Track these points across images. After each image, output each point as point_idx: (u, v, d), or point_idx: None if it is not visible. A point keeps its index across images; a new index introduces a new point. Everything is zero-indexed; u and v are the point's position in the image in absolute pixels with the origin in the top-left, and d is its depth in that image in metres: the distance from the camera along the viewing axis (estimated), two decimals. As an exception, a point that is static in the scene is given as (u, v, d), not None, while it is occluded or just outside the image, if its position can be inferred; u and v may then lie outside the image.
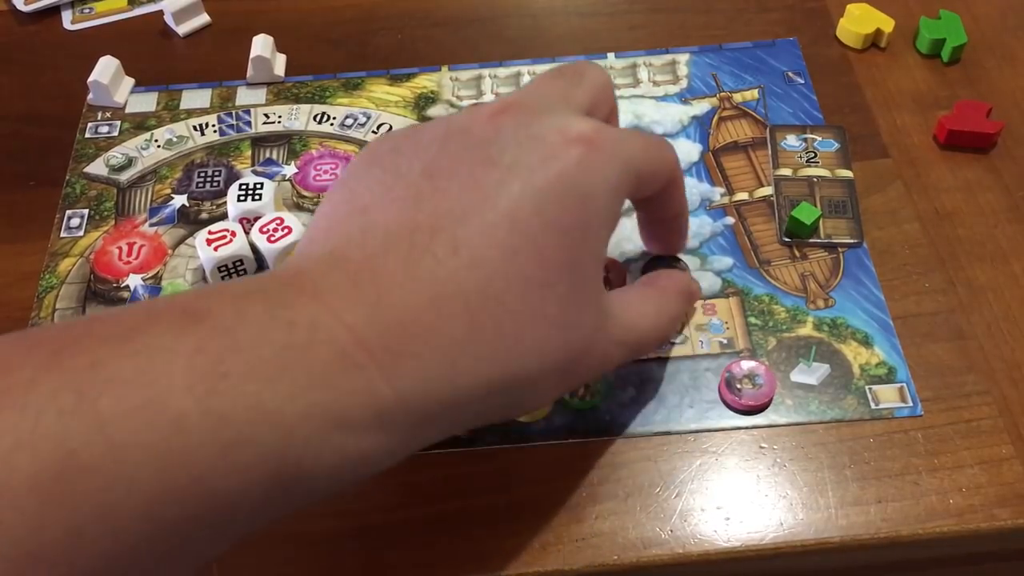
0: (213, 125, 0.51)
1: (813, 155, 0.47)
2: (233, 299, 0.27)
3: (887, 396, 0.39)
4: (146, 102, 0.53)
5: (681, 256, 0.44)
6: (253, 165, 0.49)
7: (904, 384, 0.39)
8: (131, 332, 0.25)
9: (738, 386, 0.39)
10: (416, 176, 0.30)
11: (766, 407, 0.39)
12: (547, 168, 0.30)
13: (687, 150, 0.48)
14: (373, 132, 0.50)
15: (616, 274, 0.43)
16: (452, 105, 0.51)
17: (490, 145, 0.31)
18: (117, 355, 0.24)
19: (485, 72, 0.53)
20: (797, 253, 0.44)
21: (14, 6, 0.57)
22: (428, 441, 0.30)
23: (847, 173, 0.46)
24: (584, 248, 0.31)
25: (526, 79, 0.52)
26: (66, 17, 0.58)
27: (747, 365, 0.40)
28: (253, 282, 0.29)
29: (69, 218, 0.47)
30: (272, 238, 0.43)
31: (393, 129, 0.34)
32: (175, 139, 0.51)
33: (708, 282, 0.43)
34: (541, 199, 0.30)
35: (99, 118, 0.52)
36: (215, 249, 0.43)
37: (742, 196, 0.46)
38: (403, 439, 0.28)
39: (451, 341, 0.28)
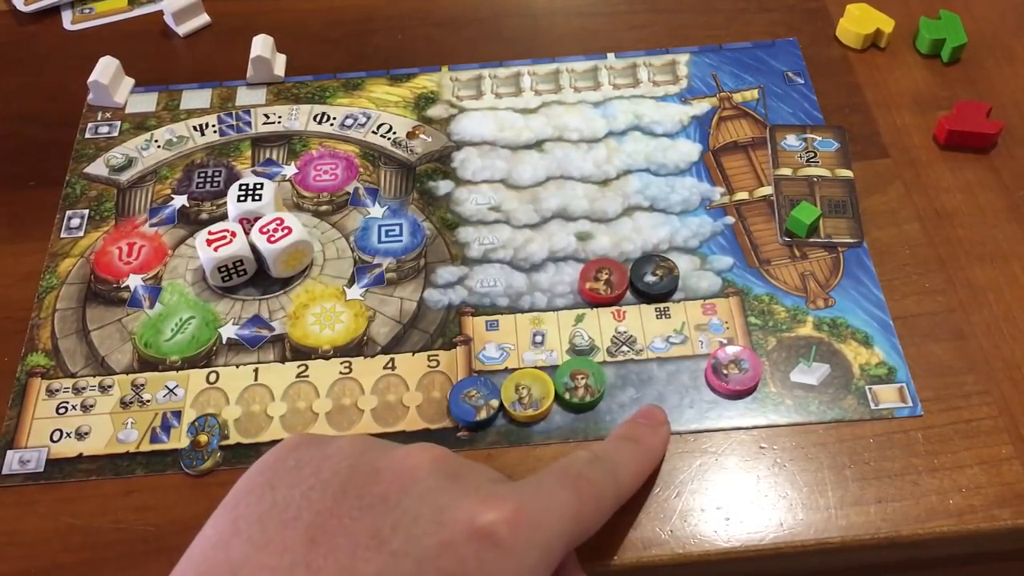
0: (213, 125, 0.51)
1: (813, 155, 0.47)
2: None
3: (887, 396, 0.39)
4: (146, 102, 0.53)
5: (670, 256, 0.44)
6: (253, 165, 0.49)
7: (904, 384, 0.39)
8: None
9: (724, 372, 0.40)
10: (299, 536, 0.27)
11: (752, 391, 0.39)
12: (434, 565, 0.27)
13: (687, 150, 0.48)
14: (373, 132, 0.50)
15: (618, 275, 0.43)
16: (452, 105, 0.51)
17: (387, 512, 0.27)
18: None
19: (485, 72, 0.53)
20: (797, 253, 0.44)
21: (14, 6, 0.57)
22: None
23: (847, 173, 0.46)
24: None
25: (526, 79, 0.52)
26: (66, 17, 0.58)
27: (732, 350, 0.40)
28: None
29: (69, 218, 0.47)
30: (272, 238, 0.43)
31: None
32: (175, 139, 0.51)
33: (708, 282, 0.43)
34: None
35: (99, 118, 0.52)
36: (215, 249, 0.43)
37: (742, 196, 0.46)
38: None
39: None
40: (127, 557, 0.37)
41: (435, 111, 0.51)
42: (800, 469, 0.37)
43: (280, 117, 0.51)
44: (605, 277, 0.43)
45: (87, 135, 0.51)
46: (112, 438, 0.40)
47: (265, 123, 0.51)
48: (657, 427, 0.37)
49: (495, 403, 0.39)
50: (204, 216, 0.47)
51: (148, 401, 0.41)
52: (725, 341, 0.41)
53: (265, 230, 0.44)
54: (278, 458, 0.30)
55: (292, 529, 0.27)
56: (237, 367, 0.42)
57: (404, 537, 0.27)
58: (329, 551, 0.27)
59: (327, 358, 0.42)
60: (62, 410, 0.41)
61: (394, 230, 0.46)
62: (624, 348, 0.41)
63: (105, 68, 0.52)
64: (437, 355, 0.41)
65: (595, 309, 0.42)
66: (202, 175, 0.49)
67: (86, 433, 0.40)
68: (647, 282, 0.42)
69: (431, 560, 0.27)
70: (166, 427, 0.40)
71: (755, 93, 0.50)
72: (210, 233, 0.44)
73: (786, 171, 0.47)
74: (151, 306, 0.44)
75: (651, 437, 0.37)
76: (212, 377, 0.41)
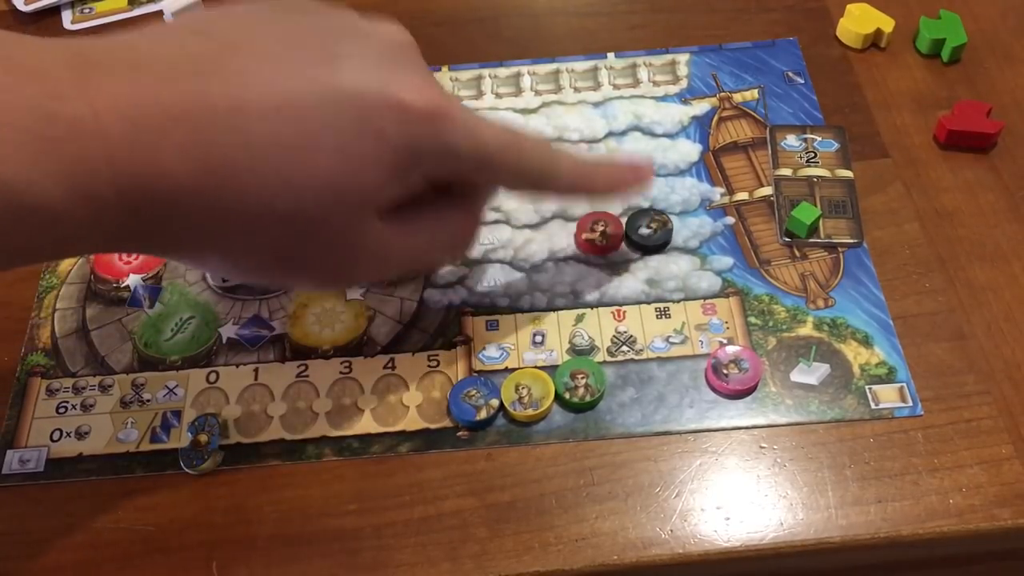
0: (213, 125, 0.51)
1: (813, 155, 0.47)
2: (13, 69, 0.27)
3: (887, 396, 0.39)
4: (146, 102, 0.52)
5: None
6: (253, 165, 0.49)
7: (904, 384, 0.39)
8: None
9: (724, 371, 0.40)
10: (276, 34, 0.31)
11: (753, 391, 0.39)
12: (359, 98, 0.31)
13: (687, 150, 0.48)
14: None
15: (613, 226, 0.44)
16: (452, 105, 0.51)
17: (355, 42, 0.32)
18: None
19: (485, 72, 0.53)
20: (797, 253, 0.44)
21: (14, 6, 0.57)
22: (133, 246, 0.32)
23: (847, 173, 0.46)
24: (365, 171, 0.31)
25: (526, 79, 0.52)
26: (66, 17, 0.58)
27: (732, 350, 0.40)
28: (49, 55, 0.29)
29: (69, 218, 0.47)
30: (272, 238, 0.43)
31: None
32: (175, 139, 0.51)
33: (708, 282, 0.43)
34: (330, 106, 0.30)
35: (99, 118, 0.52)
36: (215, 249, 0.43)
37: (742, 196, 0.46)
38: (107, 239, 0.31)
39: (185, 173, 0.29)
40: (127, 557, 0.37)
41: (435, 111, 0.51)
42: (800, 469, 0.37)
43: (280, 117, 0.51)
44: (601, 229, 0.44)
45: (87, 135, 0.51)
46: (112, 438, 0.40)
47: (265, 123, 0.51)
48: (621, 181, 0.40)
49: (495, 403, 0.39)
50: (204, 216, 0.47)
51: (148, 401, 0.41)
52: (725, 341, 0.41)
53: (265, 230, 0.44)
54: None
55: (272, 27, 0.31)
56: (237, 367, 0.42)
57: (357, 61, 0.31)
58: (293, 46, 0.31)
59: (327, 358, 0.42)
60: (62, 410, 0.41)
61: (394, 230, 0.46)
62: (624, 348, 0.41)
63: (105, 68, 0.52)
64: (437, 355, 0.41)
65: (595, 309, 0.42)
66: (202, 175, 0.49)
67: (86, 433, 0.40)
68: (641, 234, 0.43)
69: (355, 96, 0.31)
70: (166, 427, 0.40)
71: (755, 93, 0.50)
72: (210, 233, 0.44)
73: (786, 171, 0.47)
74: (151, 306, 0.44)
75: (605, 182, 0.40)
76: (212, 377, 0.41)
